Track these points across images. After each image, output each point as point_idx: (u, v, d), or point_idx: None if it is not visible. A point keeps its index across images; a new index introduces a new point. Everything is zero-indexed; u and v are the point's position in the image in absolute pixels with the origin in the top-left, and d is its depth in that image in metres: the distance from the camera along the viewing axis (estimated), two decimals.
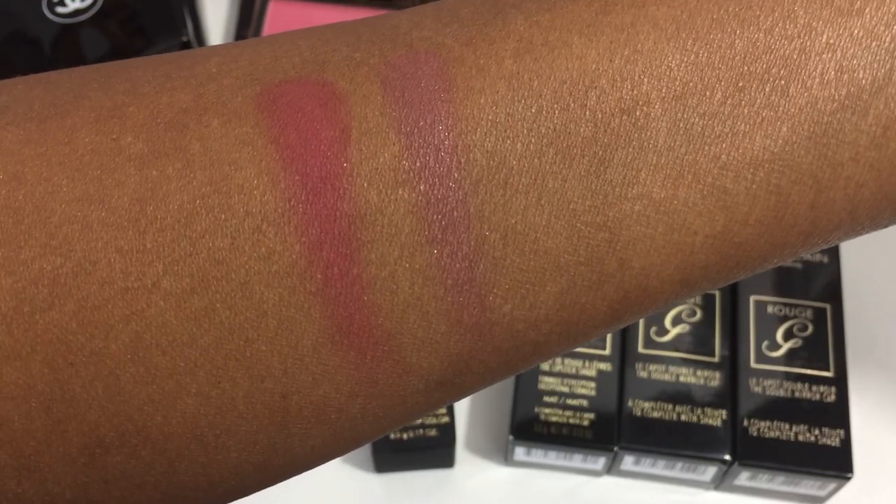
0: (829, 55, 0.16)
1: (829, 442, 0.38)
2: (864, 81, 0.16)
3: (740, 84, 0.16)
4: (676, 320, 0.40)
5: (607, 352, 0.39)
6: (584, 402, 0.38)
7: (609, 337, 0.40)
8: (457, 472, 0.41)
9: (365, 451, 0.41)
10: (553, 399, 0.38)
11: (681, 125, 0.16)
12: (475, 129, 0.16)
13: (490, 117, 0.16)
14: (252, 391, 0.16)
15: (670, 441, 0.38)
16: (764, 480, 0.38)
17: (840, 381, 0.39)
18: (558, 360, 0.39)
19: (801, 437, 0.38)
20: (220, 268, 0.15)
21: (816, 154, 0.16)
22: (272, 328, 0.16)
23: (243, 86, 0.16)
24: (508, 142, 0.16)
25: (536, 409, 0.38)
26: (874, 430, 0.41)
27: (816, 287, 0.41)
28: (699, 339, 0.40)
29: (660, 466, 0.39)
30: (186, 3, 0.48)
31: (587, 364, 0.39)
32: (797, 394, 0.38)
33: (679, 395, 0.38)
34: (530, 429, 0.38)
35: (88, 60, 0.45)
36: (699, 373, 0.39)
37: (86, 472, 0.16)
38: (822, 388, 0.39)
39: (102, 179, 0.15)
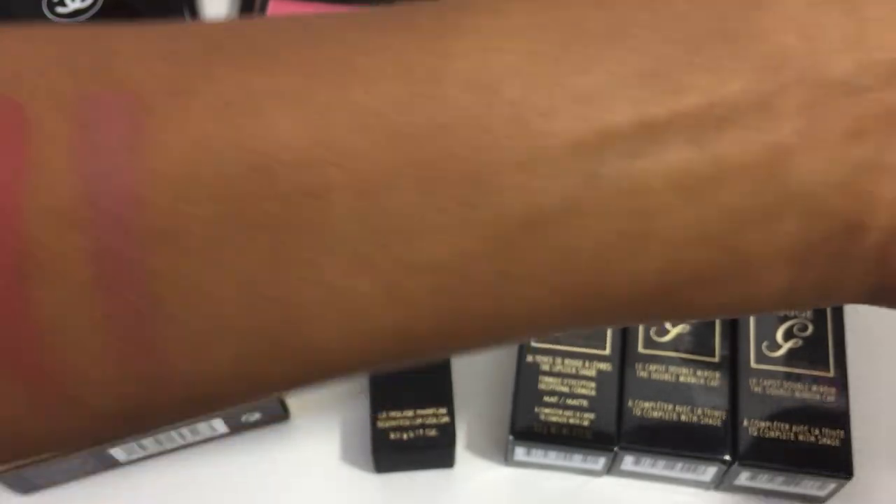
0: (519, 176, 0.16)
1: (829, 442, 0.38)
2: (548, 207, 0.16)
3: (428, 188, 0.16)
4: None
5: (607, 352, 0.39)
6: (584, 402, 0.38)
7: (609, 337, 0.40)
8: (457, 472, 0.41)
9: (365, 451, 0.41)
10: (553, 399, 0.38)
11: (365, 219, 0.16)
12: (155, 185, 0.15)
13: (172, 176, 0.15)
14: None
15: (670, 441, 0.38)
16: (764, 480, 0.38)
17: (840, 381, 0.39)
18: (558, 359, 0.39)
19: (801, 437, 0.38)
20: None
21: (496, 269, 0.16)
22: None
23: None
24: (188, 205, 0.15)
25: (536, 409, 0.38)
26: (874, 430, 0.41)
27: None
28: (699, 339, 0.40)
29: (660, 466, 0.39)
30: (186, 3, 0.48)
31: (587, 364, 0.39)
32: (797, 394, 0.38)
33: (679, 395, 0.38)
34: (530, 429, 0.38)
35: None
36: (699, 373, 0.39)
37: None
38: (822, 388, 0.39)
39: None
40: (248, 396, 0.18)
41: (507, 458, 0.41)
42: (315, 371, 0.17)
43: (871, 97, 0.16)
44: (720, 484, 0.40)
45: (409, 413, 0.39)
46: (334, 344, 0.17)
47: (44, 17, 0.43)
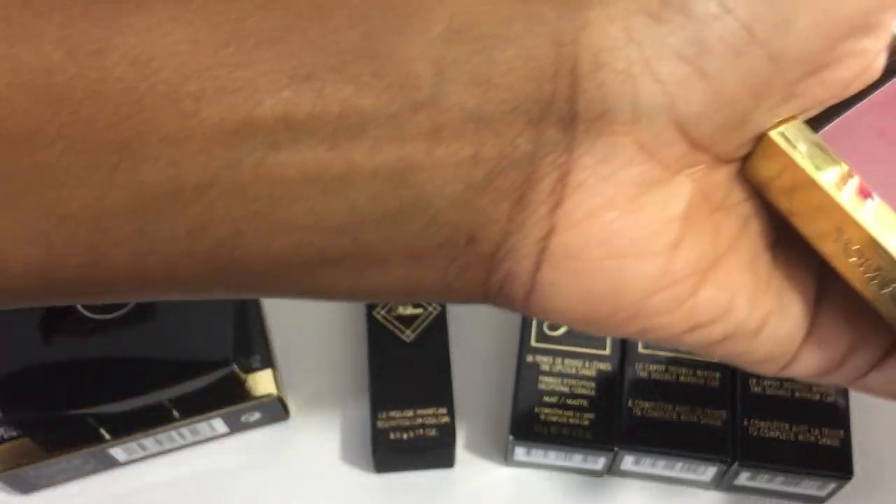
0: (163, 149, 0.17)
1: (829, 442, 0.38)
2: (187, 181, 0.18)
3: (76, 147, 0.17)
4: None
5: (607, 352, 0.39)
6: (584, 402, 0.38)
7: (609, 337, 0.40)
8: (457, 472, 0.41)
9: (365, 452, 0.41)
10: (553, 399, 0.38)
11: (15, 166, 0.17)
12: None
13: None
14: None
15: (670, 441, 0.38)
16: (764, 480, 0.38)
17: None
18: (558, 359, 0.39)
19: (801, 437, 0.38)
20: None
21: (134, 227, 0.18)
22: None
23: None
24: None
25: (536, 409, 0.38)
26: (874, 430, 0.41)
27: None
28: None
29: (660, 466, 0.39)
30: None
31: (587, 364, 0.39)
32: (797, 394, 0.38)
33: (679, 395, 0.38)
34: (530, 429, 0.38)
35: None
36: (699, 373, 0.39)
37: None
38: (822, 388, 0.39)
39: None
40: None
41: (507, 458, 0.41)
42: None
43: (488, 128, 0.18)
44: (720, 484, 0.40)
45: (409, 413, 0.39)
46: None
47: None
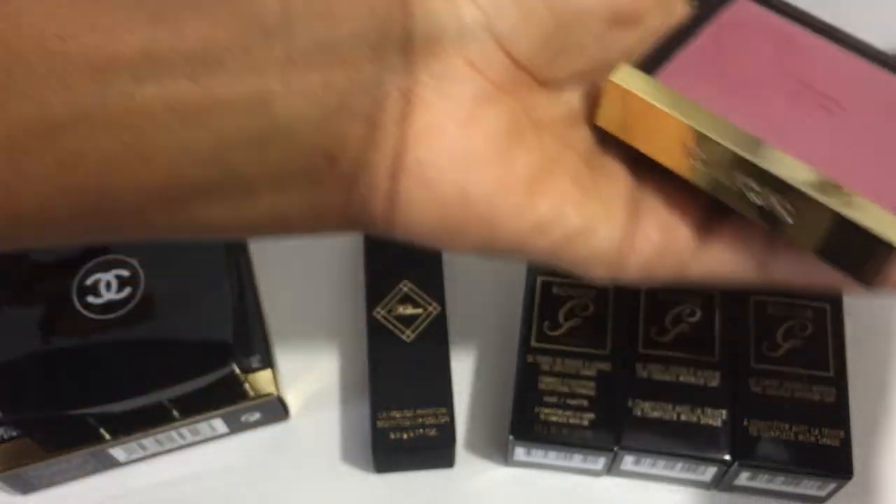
0: (33, 87, 0.19)
1: (829, 442, 0.38)
2: (58, 116, 0.19)
3: None
4: (676, 320, 0.40)
5: (607, 352, 0.39)
6: (584, 402, 0.38)
7: (609, 337, 0.40)
8: (457, 472, 0.41)
9: (365, 451, 0.41)
10: (553, 399, 0.38)
11: None
12: None
13: None
14: None
15: (670, 441, 0.38)
16: (764, 480, 0.38)
17: (840, 381, 0.39)
18: (558, 359, 0.39)
19: (801, 437, 0.38)
20: None
21: (9, 167, 0.19)
22: None
23: None
24: None
25: (536, 409, 0.38)
26: (874, 430, 0.41)
27: None
28: (699, 339, 0.40)
29: (660, 466, 0.39)
30: None
31: (587, 364, 0.39)
32: (797, 394, 0.38)
33: (679, 395, 0.38)
34: (530, 429, 0.38)
35: None
36: (699, 373, 0.39)
37: None
38: (822, 388, 0.39)
39: None
40: None
41: (507, 458, 0.41)
42: None
43: (336, 57, 0.20)
44: (720, 484, 0.40)
45: (409, 413, 0.39)
46: None
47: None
